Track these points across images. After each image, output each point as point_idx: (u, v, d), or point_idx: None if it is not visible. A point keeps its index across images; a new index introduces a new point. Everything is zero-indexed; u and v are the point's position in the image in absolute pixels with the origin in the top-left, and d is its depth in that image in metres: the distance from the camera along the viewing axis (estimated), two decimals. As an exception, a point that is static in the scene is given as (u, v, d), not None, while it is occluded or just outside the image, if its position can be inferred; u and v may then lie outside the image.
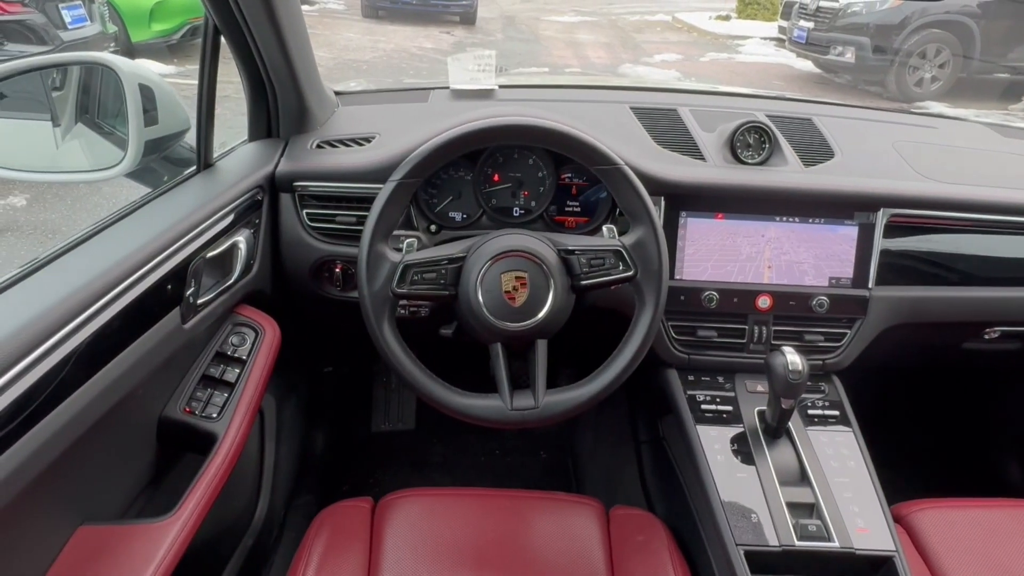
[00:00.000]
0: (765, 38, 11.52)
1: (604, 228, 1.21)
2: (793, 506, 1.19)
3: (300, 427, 1.73)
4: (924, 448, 2.08)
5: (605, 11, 15.20)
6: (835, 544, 1.13)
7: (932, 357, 1.69)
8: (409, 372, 1.15)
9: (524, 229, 1.21)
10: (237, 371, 1.22)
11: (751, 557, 1.12)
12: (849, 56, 8.38)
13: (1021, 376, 1.84)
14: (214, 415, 1.16)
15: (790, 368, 1.16)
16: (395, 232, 1.31)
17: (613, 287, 1.26)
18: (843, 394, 1.39)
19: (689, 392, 1.38)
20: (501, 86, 1.72)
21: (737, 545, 1.13)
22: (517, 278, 1.14)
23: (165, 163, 1.39)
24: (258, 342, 1.26)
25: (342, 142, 1.44)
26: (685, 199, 1.37)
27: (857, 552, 1.13)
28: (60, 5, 6.11)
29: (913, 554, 1.26)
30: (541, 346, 1.19)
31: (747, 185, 1.36)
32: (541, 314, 1.14)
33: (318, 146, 1.42)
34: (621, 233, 1.20)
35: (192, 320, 1.08)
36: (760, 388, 1.38)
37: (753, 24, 12.75)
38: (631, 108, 1.61)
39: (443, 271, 1.16)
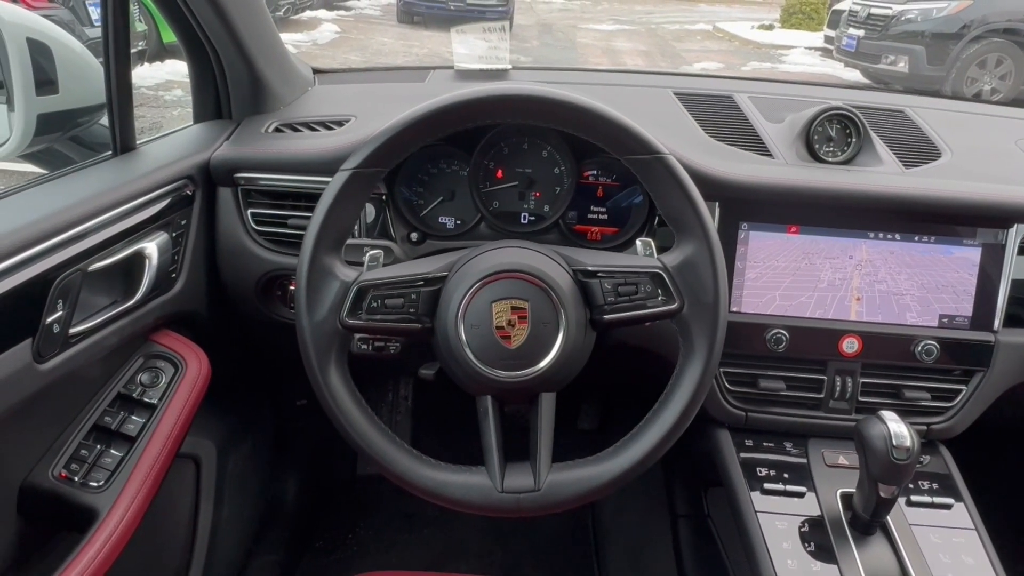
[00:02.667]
0: (810, 48, 11.07)
1: (638, 242, 0.88)
2: None
3: (258, 475, 1.42)
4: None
5: (644, 20, 14.87)
6: None
7: None
8: (362, 435, 0.83)
9: (531, 241, 0.88)
10: (142, 421, 0.91)
11: None
12: (902, 65, 7.96)
13: None
14: (99, 481, 0.85)
15: (895, 443, 0.82)
16: (358, 242, 1.00)
17: (649, 324, 0.93)
18: (955, 472, 1.04)
19: (745, 459, 1.04)
20: (516, 67, 1.41)
21: None
22: (514, 309, 0.82)
23: (81, 149, 1.10)
24: (176, 380, 0.95)
25: (307, 125, 1.13)
26: (746, 206, 1.03)
27: None
28: (87, 1, 6.00)
29: None
30: (547, 402, 0.86)
31: (831, 189, 1.02)
32: (546, 361, 0.82)
33: (276, 129, 1.12)
34: (662, 250, 0.86)
35: (57, 358, 0.78)
36: (843, 461, 1.04)
37: (797, 34, 12.27)
38: (675, 93, 1.28)
39: (413, 296, 0.84)
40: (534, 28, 13.05)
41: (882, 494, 0.87)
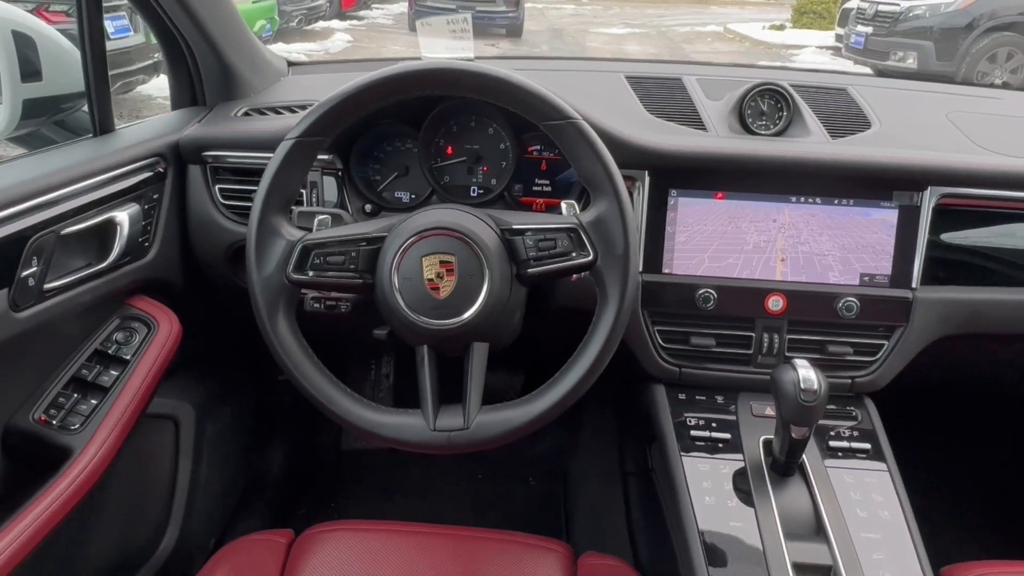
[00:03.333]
0: (821, 47, 11.04)
1: (563, 204, 0.96)
2: (802, 569, 0.90)
3: (240, 443, 1.51)
4: (984, 498, 1.72)
5: (655, 23, 14.91)
6: None
7: (1001, 381, 1.36)
8: (306, 378, 0.92)
9: (468, 206, 0.96)
10: (116, 374, 1.00)
11: None
12: (911, 62, 7.93)
13: None
14: (75, 425, 0.94)
15: (802, 386, 0.88)
16: (311, 209, 1.09)
17: (574, 278, 1.01)
18: (877, 422, 1.10)
19: (678, 413, 1.11)
20: (480, 57, 1.49)
21: None
22: (442, 263, 0.90)
23: (66, 133, 1.20)
24: (148, 339, 1.05)
25: (274, 109, 1.22)
26: (676, 173, 1.10)
27: None
28: (104, 15, 6.20)
29: None
30: (478, 351, 0.94)
31: (754, 155, 1.09)
32: (472, 311, 0.90)
33: (245, 113, 1.22)
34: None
35: (31, 308, 0.87)
36: (770, 411, 1.10)
37: (809, 33, 12.24)
38: (627, 77, 1.35)
39: (354, 254, 0.92)
40: (545, 33, 13.14)
41: (794, 435, 0.94)
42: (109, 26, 6.33)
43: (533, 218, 0.94)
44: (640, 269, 1.12)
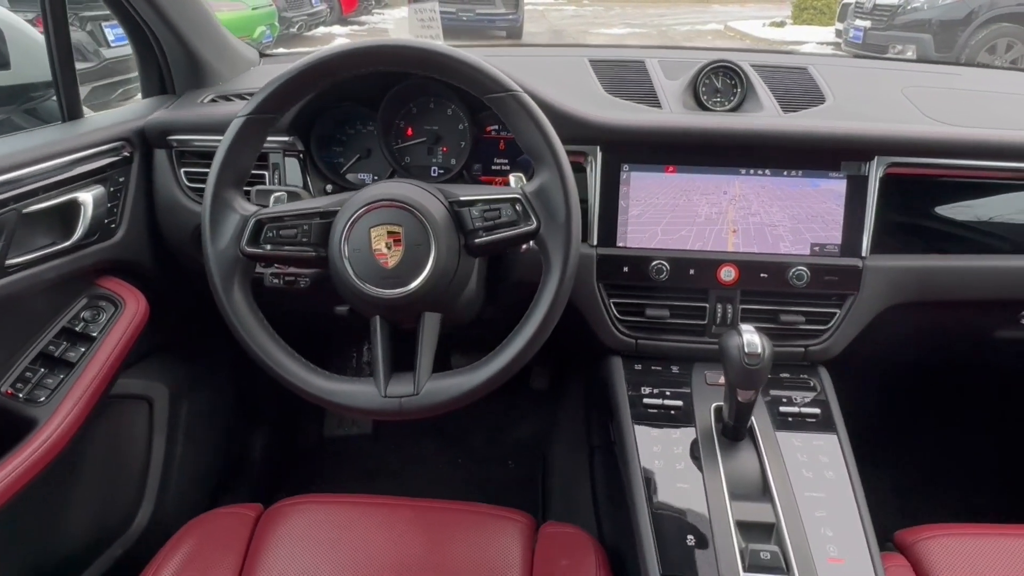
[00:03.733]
0: (821, 43, 11.02)
1: (511, 177, 0.98)
2: (746, 527, 0.92)
3: (218, 426, 1.54)
4: (940, 464, 1.73)
5: (656, 23, 14.93)
6: None
7: (955, 349, 1.38)
8: (261, 348, 0.94)
9: (419, 181, 0.99)
10: (83, 350, 1.04)
11: None
12: (910, 55, 7.90)
13: None
14: (41, 398, 0.98)
15: (747, 350, 0.91)
16: (268, 188, 1.12)
17: (523, 248, 1.04)
18: (830, 390, 1.12)
19: (632, 384, 1.13)
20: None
21: None
22: (390, 233, 0.92)
23: (38, 121, 1.24)
24: (115, 317, 1.08)
25: (241, 96, 1.26)
26: (627, 148, 1.13)
27: None
28: (104, 24, 6.29)
29: None
30: (429, 321, 0.96)
31: (701, 128, 1.11)
32: (419, 280, 0.92)
33: (213, 100, 1.25)
34: None
35: None
36: (722, 380, 1.12)
37: (809, 29, 12.23)
38: (590, 60, 1.38)
39: (306, 227, 0.95)
40: (545, 35, 13.18)
41: (740, 399, 0.96)
42: (109, 34, 6.43)
43: (480, 190, 0.97)
44: (595, 242, 1.15)
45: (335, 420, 1.91)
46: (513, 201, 0.92)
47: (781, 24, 13.08)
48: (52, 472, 1.10)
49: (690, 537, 0.91)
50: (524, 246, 1.03)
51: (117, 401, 1.25)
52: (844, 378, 1.17)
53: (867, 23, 8.36)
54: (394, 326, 0.98)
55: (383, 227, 0.92)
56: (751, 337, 0.91)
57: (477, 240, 0.94)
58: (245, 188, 1.02)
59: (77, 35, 6.08)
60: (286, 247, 0.94)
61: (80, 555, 1.16)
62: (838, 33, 9.96)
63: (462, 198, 0.95)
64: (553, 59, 1.45)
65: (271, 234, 0.94)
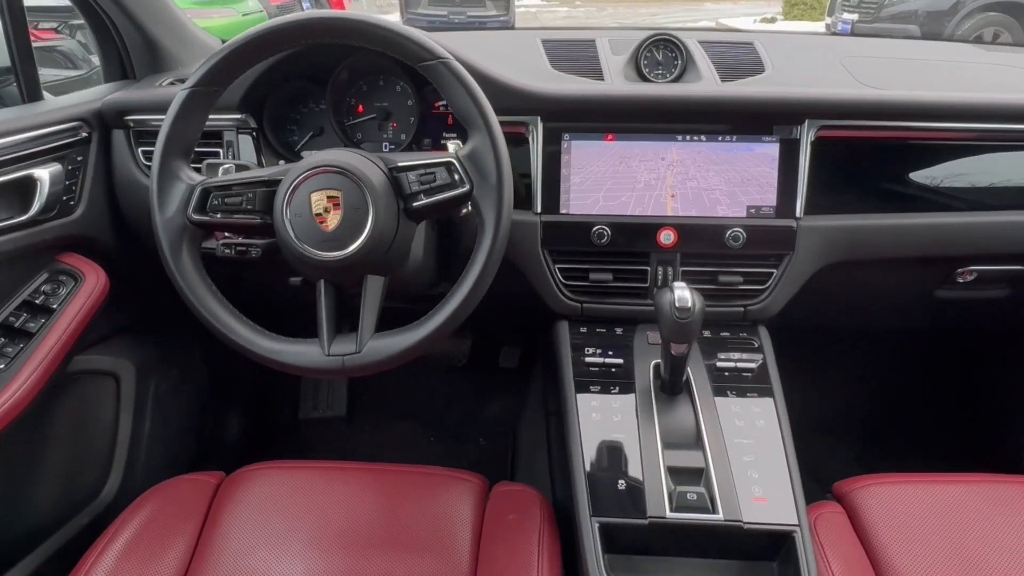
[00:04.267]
0: (811, 37, 11.06)
1: (450, 143, 1.03)
2: (676, 472, 0.96)
3: (188, 406, 1.58)
4: (879, 423, 1.77)
5: (648, 22, 14.98)
6: (718, 516, 0.90)
7: (903, 312, 1.41)
8: (209, 310, 0.98)
9: (360, 150, 1.03)
10: (43, 320, 1.08)
11: (608, 531, 0.90)
12: (898, 45, 7.92)
13: (1014, 336, 1.53)
14: (1, 366, 1.02)
15: (677, 304, 0.94)
16: (218, 161, 1.16)
17: (463, 213, 1.08)
18: (768, 347, 1.15)
19: (578, 345, 1.16)
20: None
21: (593, 517, 0.91)
22: (329, 198, 0.96)
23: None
24: (75, 290, 1.12)
25: (198, 79, 1.30)
26: (567, 118, 1.17)
27: (745, 526, 0.89)
28: (95, 33, 6.34)
29: (851, 536, 1.01)
30: (372, 284, 1.00)
31: (637, 96, 1.15)
32: (358, 242, 0.95)
33: (171, 83, 1.29)
34: None
35: None
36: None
37: (800, 24, 12.28)
38: (542, 40, 1.42)
39: (250, 195, 0.99)
40: (537, 36, 13.22)
41: (673, 352, 0.99)
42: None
43: (417, 156, 1.00)
44: (539, 210, 1.18)
45: (310, 403, 1.95)
46: (447, 165, 0.96)
47: (772, 20, 13.14)
48: (17, 441, 1.14)
49: (621, 482, 0.95)
50: (464, 210, 1.07)
51: (84, 377, 1.29)
52: (790, 342, 1.20)
53: (855, 16, 8.39)
54: (339, 290, 1.02)
55: (323, 192, 0.96)
56: (682, 293, 0.95)
57: (415, 204, 0.98)
58: (197, 166, 1.07)
59: (68, 43, 6.14)
60: (232, 215, 0.98)
61: (47, 522, 1.20)
62: (827, 28, 10.01)
63: (400, 164, 0.99)
64: (507, 40, 1.49)
65: (217, 202, 0.97)
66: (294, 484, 1.12)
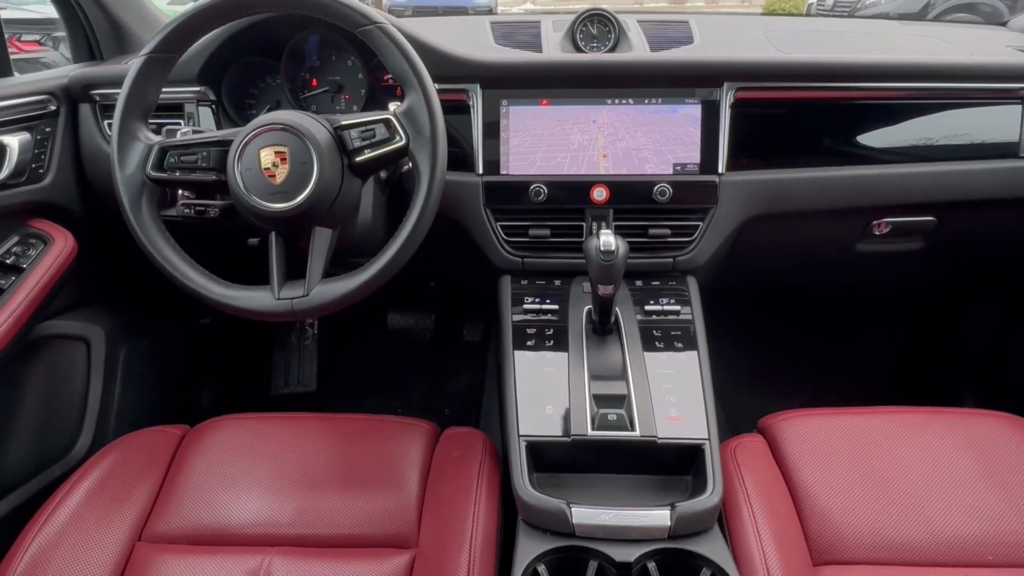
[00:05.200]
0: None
1: (390, 104, 1.11)
2: (600, 398, 1.04)
3: (159, 375, 1.65)
4: (802, 367, 1.87)
5: (634, 11, 15.16)
6: (635, 433, 0.98)
7: (827, 267, 1.50)
8: (167, 259, 1.06)
9: (307, 111, 1.11)
10: (12, 278, 1.15)
11: (535, 449, 0.98)
12: (869, 48, 8.11)
13: (941, 290, 1.63)
14: None
15: (602, 248, 1.02)
16: (178, 128, 1.24)
17: (404, 169, 1.16)
18: (694, 293, 1.24)
19: (516, 296, 1.25)
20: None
21: (521, 437, 0.99)
22: (277, 153, 1.04)
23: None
24: (43, 251, 1.19)
25: (161, 59, 1.38)
26: (504, 84, 1.25)
27: (659, 441, 0.97)
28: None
29: (768, 460, 1.09)
30: (319, 235, 1.08)
31: (567, 62, 1.24)
32: (304, 193, 1.03)
33: (136, 63, 1.37)
34: None
35: None
36: None
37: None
38: (491, 22, 1.51)
39: (205, 153, 1.07)
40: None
41: (600, 293, 1.08)
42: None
43: (358, 115, 1.09)
44: (480, 171, 1.27)
45: (281, 379, 2.02)
46: (385, 121, 1.04)
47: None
48: None
49: (549, 407, 1.03)
50: (405, 167, 1.15)
51: (56, 341, 1.36)
52: (726, 302, 1.29)
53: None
54: (289, 242, 1.10)
55: (271, 148, 1.04)
56: (607, 238, 1.03)
57: (358, 159, 1.06)
58: (158, 134, 1.14)
59: (51, 55, 6.22)
60: (189, 172, 1.06)
61: (19, 473, 1.27)
62: (804, 31, 10.24)
63: (343, 122, 1.07)
64: (459, 23, 1.58)
65: (174, 160, 1.05)
66: (255, 433, 1.19)
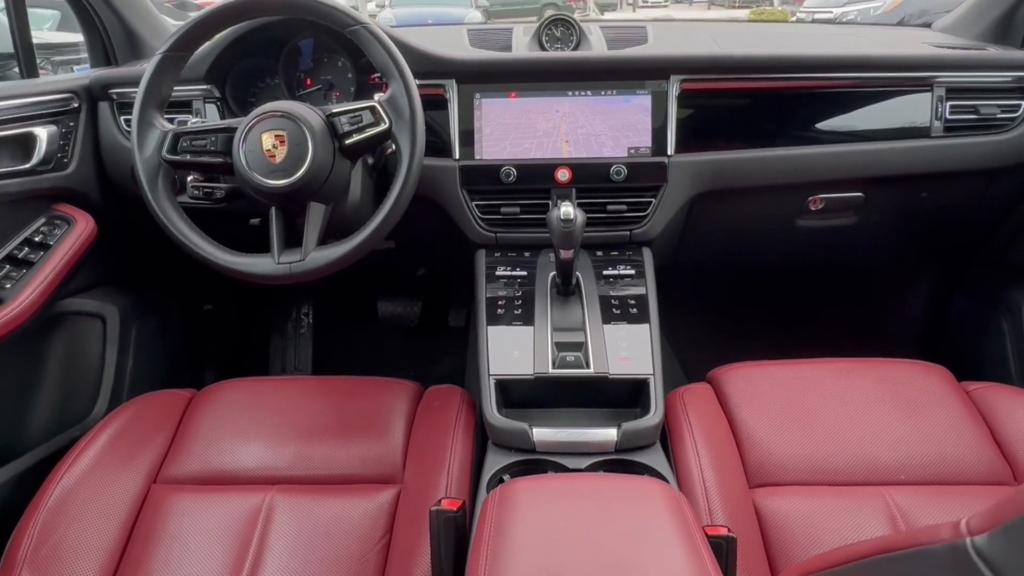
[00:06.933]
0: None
1: (376, 95, 1.26)
2: (561, 344, 1.19)
3: (168, 354, 1.79)
4: (749, 331, 2.02)
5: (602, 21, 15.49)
6: (590, 371, 1.13)
7: (771, 242, 1.66)
8: (179, 230, 1.20)
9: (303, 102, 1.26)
10: (41, 253, 1.30)
11: (503, 385, 1.13)
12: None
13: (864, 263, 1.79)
14: (7, 285, 1.23)
15: (562, 216, 1.18)
16: (187, 119, 1.39)
17: (388, 151, 1.31)
18: (648, 262, 1.39)
19: (490, 265, 1.40)
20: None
21: (491, 375, 1.14)
22: (276, 136, 1.19)
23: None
24: (67, 231, 1.34)
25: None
26: (477, 80, 1.41)
27: (611, 376, 1.12)
28: (76, 68, 6.61)
29: (713, 403, 1.24)
30: (314, 209, 1.23)
31: (533, 59, 1.40)
32: (301, 171, 1.17)
33: (148, 67, 1.53)
34: None
35: None
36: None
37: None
38: (467, 29, 1.68)
39: (214, 138, 1.22)
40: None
41: (561, 257, 1.23)
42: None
43: (347, 104, 1.25)
44: (457, 157, 1.42)
45: (278, 364, 2.16)
46: (371, 108, 1.20)
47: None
48: (16, 365, 1.35)
49: (516, 352, 1.17)
50: (389, 150, 1.31)
51: (74, 317, 1.50)
52: (682, 276, 1.44)
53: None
54: (288, 216, 1.25)
55: (272, 132, 1.19)
56: (566, 208, 1.19)
57: (347, 141, 1.21)
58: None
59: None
60: (199, 156, 1.21)
61: (42, 433, 1.40)
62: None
63: (334, 110, 1.23)
64: (439, 30, 1.75)
65: (186, 144, 1.21)
66: (257, 393, 1.33)
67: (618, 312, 1.25)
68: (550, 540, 0.68)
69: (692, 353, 1.71)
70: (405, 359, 2.18)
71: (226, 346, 2.02)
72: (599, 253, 1.41)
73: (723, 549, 0.79)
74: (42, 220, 1.35)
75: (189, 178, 1.39)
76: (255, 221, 1.39)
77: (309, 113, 1.21)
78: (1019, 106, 1.39)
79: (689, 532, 0.70)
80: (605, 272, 1.35)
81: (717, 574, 0.67)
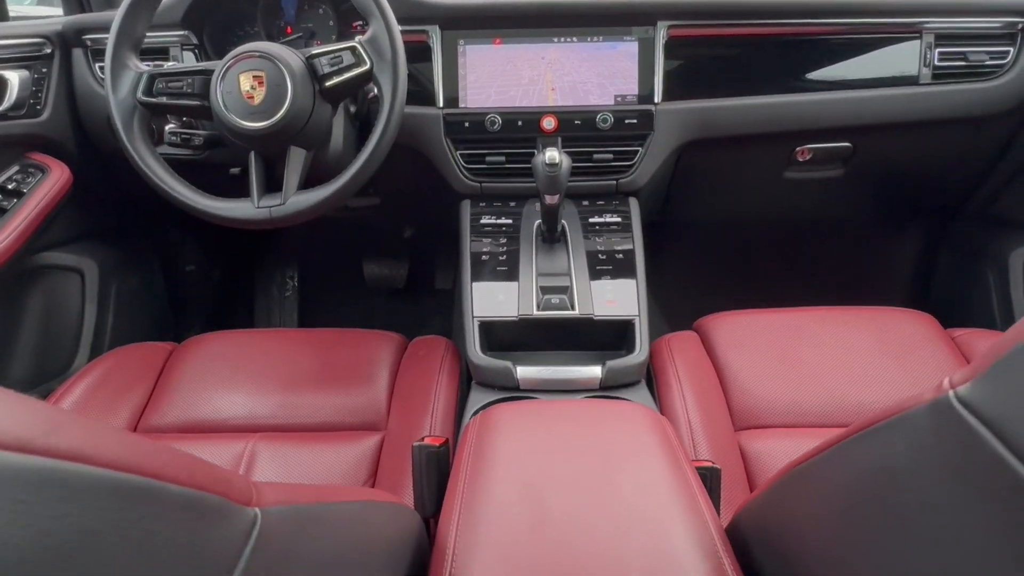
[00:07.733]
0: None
1: (357, 37, 1.23)
2: (546, 288, 1.17)
3: (149, 313, 1.76)
4: (726, 270, 2.03)
5: None
6: (575, 312, 1.12)
7: (759, 195, 1.65)
8: (157, 175, 1.18)
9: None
10: (15, 200, 1.27)
11: (487, 328, 1.11)
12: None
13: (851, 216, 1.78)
14: None
15: (547, 160, 1.16)
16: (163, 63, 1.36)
17: (370, 96, 1.29)
18: (634, 210, 1.38)
19: (475, 215, 1.38)
20: None
21: (475, 317, 1.12)
22: (255, 77, 1.17)
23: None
24: (41, 180, 1.31)
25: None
26: (460, 25, 1.38)
27: (596, 318, 1.11)
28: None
29: (699, 349, 1.23)
30: (295, 153, 1.20)
31: (517, 2, 1.37)
32: (280, 113, 1.15)
33: (123, 14, 1.49)
34: None
35: None
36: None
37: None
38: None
39: (190, 80, 1.19)
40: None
41: (547, 202, 1.21)
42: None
43: (327, 45, 1.22)
44: (441, 105, 1.40)
45: (263, 323, 2.14)
46: (352, 48, 1.17)
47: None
48: None
49: (501, 296, 1.16)
50: (371, 94, 1.28)
51: (52, 271, 1.47)
52: (672, 232, 1.43)
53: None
54: (268, 164, 1.22)
55: (250, 72, 1.16)
56: (552, 152, 1.17)
57: (328, 83, 1.18)
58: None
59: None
60: (176, 98, 1.18)
61: (20, 385, 1.38)
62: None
63: (314, 52, 1.20)
64: None
65: (162, 86, 1.17)
66: (240, 344, 1.31)
67: (604, 257, 1.24)
68: (531, 459, 0.67)
69: (679, 306, 1.70)
70: (392, 320, 2.16)
71: (210, 304, 1.99)
72: (585, 202, 1.40)
73: (707, 479, 0.78)
74: (15, 168, 1.32)
75: (167, 127, 1.36)
76: (235, 171, 1.36)
77: (288, 54, 1.18)
78: (1007, 52, 1.38)
79: (673, 451, 0.69)
80: (591, 220, 1.34)
81: (701, 491, 0.66)
